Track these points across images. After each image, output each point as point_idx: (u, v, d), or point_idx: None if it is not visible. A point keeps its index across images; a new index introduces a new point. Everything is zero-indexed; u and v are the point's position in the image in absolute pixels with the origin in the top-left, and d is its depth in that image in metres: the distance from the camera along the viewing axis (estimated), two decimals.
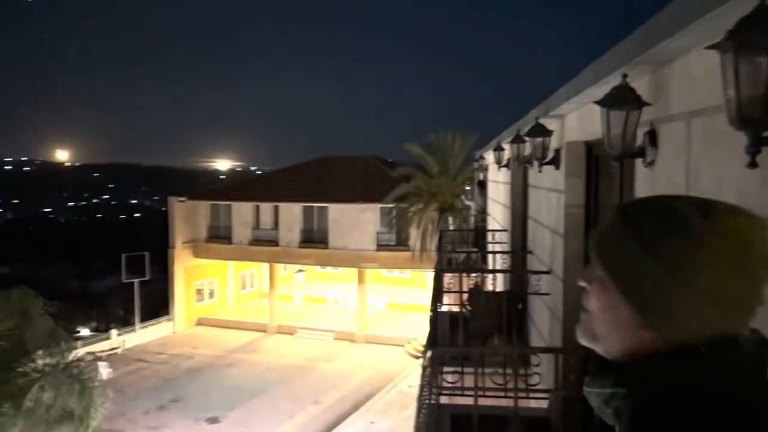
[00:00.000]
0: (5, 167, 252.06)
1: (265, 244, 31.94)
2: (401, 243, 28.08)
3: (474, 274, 7.92)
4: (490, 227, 11.88)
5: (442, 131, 24.14)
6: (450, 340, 5.67)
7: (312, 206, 31.16)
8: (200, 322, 33.46)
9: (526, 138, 5.65)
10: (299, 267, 39.28)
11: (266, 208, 32.31)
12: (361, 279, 30.18)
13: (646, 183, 3.15)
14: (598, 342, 0.93)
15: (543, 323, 5.95)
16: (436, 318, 4.79)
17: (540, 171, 5.58)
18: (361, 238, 29.51)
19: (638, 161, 3.17)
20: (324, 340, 29.86)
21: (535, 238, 6.77)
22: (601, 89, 3.12)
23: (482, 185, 13.70)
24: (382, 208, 28.23)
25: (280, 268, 34.88)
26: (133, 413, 20.91)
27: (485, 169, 13.10)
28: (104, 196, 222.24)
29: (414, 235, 24.80)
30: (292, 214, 31.39)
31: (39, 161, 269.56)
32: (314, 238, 31.04)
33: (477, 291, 6.92)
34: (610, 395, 0.88)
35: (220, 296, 35.70)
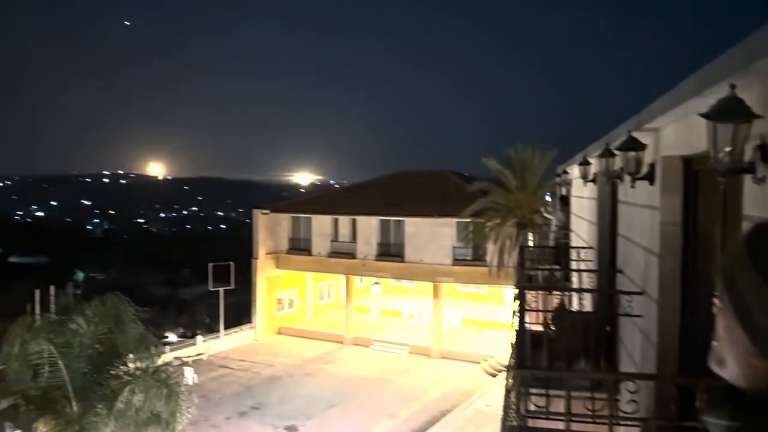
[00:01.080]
0: (103, 180, 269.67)
1: (342, 256, 32.39)
2: (478, 258, 27.68)
3: (558, 293, 7.65)
4: (573, 244, 11.48)
5: (521, 145, 23.72)
6: (533, 361, 5.48)
7: (389, 220, 31.35)
8: (280, 331, 34.27)
9: (617, 152, 5.41)
10: (375, 279, 39.57)
11: (344, 221, 32.80)
12: (436, 293, 29.98)
13: (756, 201, 2.92)
14: (724, 368, 0.88)
15: (634, 347, 5.65)
16: (521, 337, 4.64)
17: (632, 186, 5.32)
18: (437, 253, 29.36)
19: (747, 177, 2.94)
20: (399, 353, 29.81)
21: (625, 256, 6.46)
22: (704, 101, 2.93)
23: (565, 200, 13.28)
24: (458, 222, 27.98)
25: (357, 281, 35.24)
26: (216, 419, 21.61)
27: (568, 183, 12.70)
28: (193, 208, 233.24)
29: (491, 250, 24.38)
30: (369, 227, 31.69)
31: (134, 174, 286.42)
32: (391, 252, 31.17)
33: (562, 310, 6.67)
34: (726, 428, 0.83)
35: (299, 306, 36.45)
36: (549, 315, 6.58)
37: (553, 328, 6.51)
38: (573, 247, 10.73)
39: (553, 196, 17.44)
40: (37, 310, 22.13)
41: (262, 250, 33.75)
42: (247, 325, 33.97)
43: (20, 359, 11.46)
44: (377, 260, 31.36)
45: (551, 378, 4.27)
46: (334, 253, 32.84)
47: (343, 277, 34.85)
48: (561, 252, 11.61)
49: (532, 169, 23.02)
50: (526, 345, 4.61)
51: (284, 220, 34.71)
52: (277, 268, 34.40)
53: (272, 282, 34.33)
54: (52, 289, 21.51)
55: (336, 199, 37.77)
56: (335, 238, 33.08)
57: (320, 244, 33.32)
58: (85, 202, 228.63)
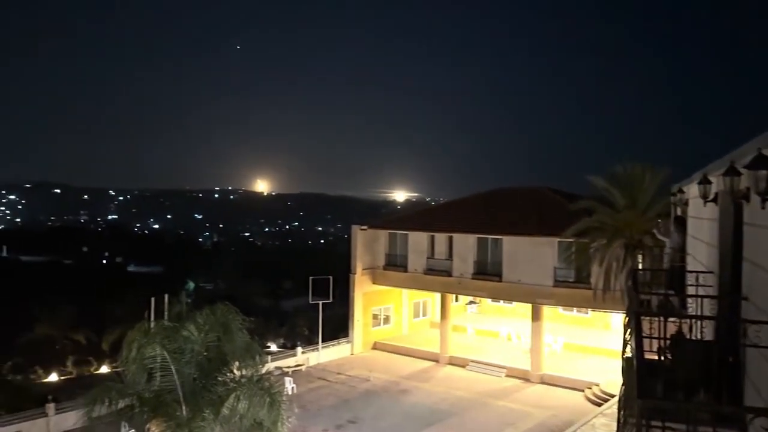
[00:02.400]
0: (214, 195, 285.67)
1: (438, 273, 32.21)
2: (581, 280, 26.53)
3: (674, 320, 7.15)
4: (690, 268, 10.71)
5: (629, 162, 22.60)
6: (649, 391, 5.12)
7: (486, 238, 30.84)
8: (376, 346, 34.54)
9: (744, 170, 5.00)
10: (471, 298, 39.00)
11: (441, 238, 32.64)
12: (536, 315, 29.04)
13: None
14: None
15: (762, 381, 5.15)
16: (641, 365, 4.35)
17: (763, 208, 4.89)
18: (536, 273, 28.46)
19: None
20: (496, 375, 29.09)
21: (752, 282, 5.93)
22: None
23: (680, 221, 12.46)
24: (560, 242, 27.03)
25: (453, 299, 34.88)
26: (314, 430, 22.00)
27: (685, 203, 11.91)
28: (294, 223, 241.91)
29: (596, 272, 23.29)
30: (466, 245, 31.33)
31: (242, 190, 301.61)
32: (488, 270, 30.61)
33: (679, 338, 6.21)
34: None
35: (395, 322, 36.60)
36: (665, 343, 6.16)
37: (669, 356, 6.07)
38: (690, 271, 10.01)
39: (666, 216, 16.44)
40: (153, 317, 23.68)
41: (359, 266, 34.29)
42: (344, 339, 34.52)
43: (137, 363, 12.22)
44: (474, 279, 30.90)
45: (667, 410, 3.97)
46: (430, 271, 32.74)
47: (438, 295, 34.66)
48: (676, 276, 10.86)
49: (642, 188, 21.84)
50: (641, 374, 4.31)
51: (381, 236, 35.11)
52: (374, 283, 34.79)
53: (369, 297, 34.74)
54: (166, 298, 22.97)
55: (432, 215, 37.72)
56: (431, 255, 32.99)
57: (416, 260, 33.35)
58: (197, 216, 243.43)
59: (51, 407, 22.17)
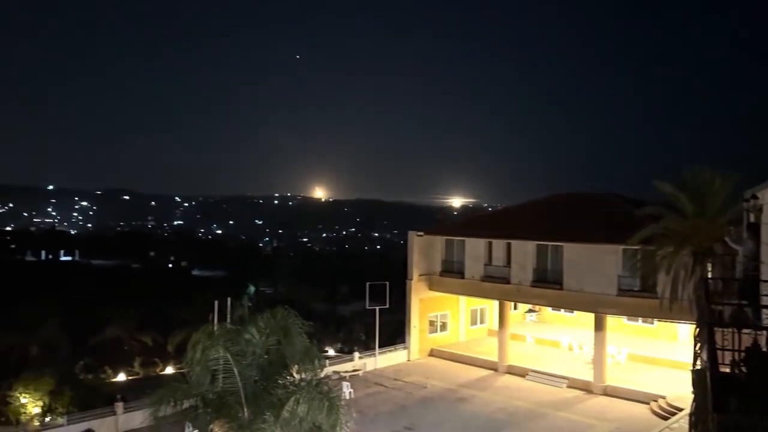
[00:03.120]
0: (274, 201, 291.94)
1: (496, 281, 31.75)
2: (646, 289, 25.53)
3: (748, 331, 6.79)
4: (765, 277, 10.18)
5: (697, 166, 21.64)
6: (722, 406, 4.88)
7: (546, 245, 30.18)
8: (432, 353, 34.35)
9: None
10: (530, 307, 38.27)
11: (499, 244, 32.17)
12: (599, 325, 28.18)
13: None
14: None
15: None
16: (714, 379, 4.15)
17: None
18: (599, 282, 27.61)
19: None
20: (557, 386, 28.39)
21: None
22: None
23: (754, 228, 11.87)
24: (624, 250, 26.12)
25: (511, 307, 34.31)
26: None
27: (758, 209, 11.34)
28: (351, 229, 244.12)
29: (662, 281, 22.40)
30: (525, 252, 30.76)
31: (300, 197, 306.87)
32: (548, 278, 29.94)
33: (755, 351, 5.90)
34: None
35: (452, 329, 36.31)
36: (739, 355, 5.86)
37: (744, 370, 5.77)
38: (765, 281, 9.50)
39: (738, 223, 15.68)
40: (216, 319, 24.35)
41: (416, 272, 34.23)
42: (401, 345, 34.49)
43: (201, 364, 12.54)
44: (533, 287, 30.29)
45: (743, 426, 3.77)
46: (488, 278, 32.31)
47: (496, 303, 34.17)
48: (750, 285, 10.33)
49: (712, 193, 20.87)
50: (715, 388, 4.11)
51: (438, 242, 34.95)
52: (430, 289, 34.64)
53: (425, 303, 34.62)
54: (228, 301, 23.59)
55: (490, 222, 37.29)
56: (489, 262, 32.57)
57: (473, 267, 33.00)
58: (258, 222, 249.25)
59: (119, 406, 23.05)
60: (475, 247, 33.09)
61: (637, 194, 30.53)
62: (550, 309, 38.06)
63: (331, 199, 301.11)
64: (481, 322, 38.11)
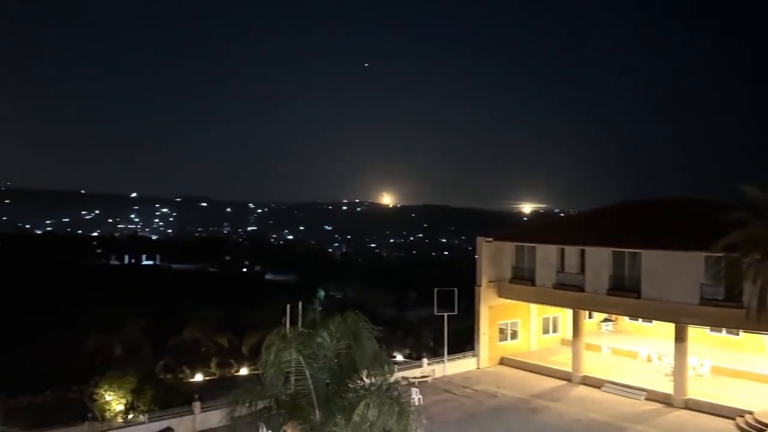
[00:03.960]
0: (343, 207, 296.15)
1: (569, 288, 30.86)
2: (731, 299, 24.15)
3: None
4: None
5: None
6: None
7: (623, 251, 29.07)
8: (503, 362, 33.78)
9: None
10: (605, 316, 36.99)
11: (572, 251, 31.27)
12: (680, 336, 26.85)
13: None
14: None
15: None
16: None
17: None
18: (680, 290, 26.30)
19: None
20: (635, 398, 27.26)
21: None
22: None
23: None
24: (707, 257, 24.83)
25: (586, 316, 33.28)
26: None
27: None
28: (419, 235, 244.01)
29: (749, 290, 21.17)
30: (600, 259, 29.75)
31: (368, 203, 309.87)
32: (624, 286, 28.82)
33: None
34: None
35: (522, 338, 35.58)
36: None
37: None
38: None
39: None
40: (289, 323, 24.88)
41: (485, 278, 33.80)
42: (470, 353, 34.12)
43: (275, 366, 12.83)
44: (609, 295, 29.23)
45: None
46: (560, 285, 31.46)
47: (569, 311, 33.23)
48: None
49: None
50: None
51: (508, 248, 34.37)
52: (500, 297, 34.09)
53: (495, 311, 34.11)
54: (300, 305, 24.07)
55: (562, 227, 36.36)
56: (561, 269, 31.73)
57: (545, 274, 32.23)
58: (327, 228, 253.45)
59: (197, 406, 23.90)
60: (546, 254, 32.32)
61: (722, 199, 29.06)
62: (627, 318, 36.67)
63: (398, 205, 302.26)
64: (554, 330, 37.16)
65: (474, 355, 33.70)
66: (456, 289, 32.88)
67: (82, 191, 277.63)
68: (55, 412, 30.42)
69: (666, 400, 26.51)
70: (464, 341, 36.63)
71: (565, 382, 30.15)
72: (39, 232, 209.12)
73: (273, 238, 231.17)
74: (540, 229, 37.78)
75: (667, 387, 27.08)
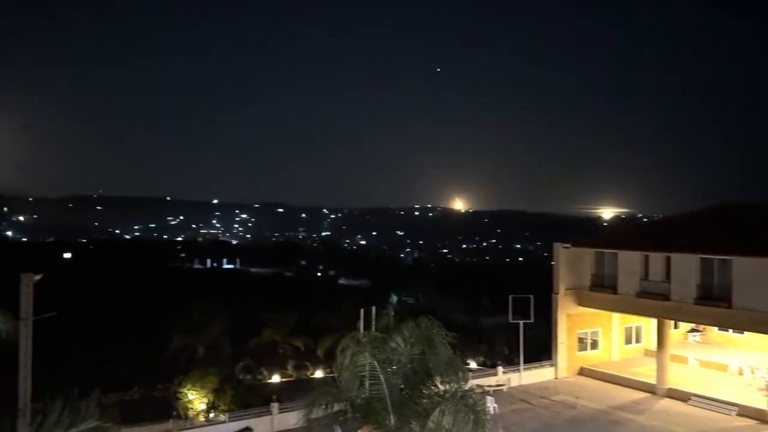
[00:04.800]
0: (414, 213, 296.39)
1: (654, 297, 29.42)
2: None
3: None
4: None
5: None
6: None
7: (711, 259, 27.49)
8: (582, 372, 32.67)
9: None
10: (693, 326, 35.08)
11: (656, 258, 29.83)
12: None
13: None
14: None
15: None
16: None
17: None
18: None
19: None
20: (725, 413, 25.67)
21: None
22: None
23: None
24: None
25: (671, 325, 31.68)
26: None
27: None
28: (492, 240, 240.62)
29: None
30: (687, 266, 28.23)
31: (440, 208, 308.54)
32: (713, 295, 27.20)
33: None
34: None
35: (603, 348, 34.28)
36: None
37: None
38: None
39: None
40: (362, 327, 25.07)
41: (562, 286, 32.83)
42: (547, 362, 33.20)
43: (350, 370, 12.99)
44: (696, 304, 27.68)
45: None
46: (644, 293, 30.08)
47: (653, 321, 31.72)
48: None
49: None
50: None
51: (587, 254, 33.24)
52: (579, 305, 33.01)
53: (573, 319, 33.06)
54: (373, 310, 24.22)
55: (646, 233, 34.80)
56: (645, 276, 30.32)
57: (627, 282, 30.92)
58: (399, 233, 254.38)
59: (275, 406, 24.47)
60: (629, 261, 31.01)
61: None
62: (716, 329, 34.64)
63: (471, 210, 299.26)
64: (637, 341, 35.59)
65: (551, 365, 32.76)
66: (532, 297, 32.13)
67: (168, 198, 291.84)
68: (143, 409, 32.01)
69: (760, 417, 24.81)
70: (540, 350, 35.72)
71: (648, 395, 28.81)
72: (128, 237, 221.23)
73: (346, 243, 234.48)
74: (622, 234, 36.39)
75: (761, 402, 25.35)
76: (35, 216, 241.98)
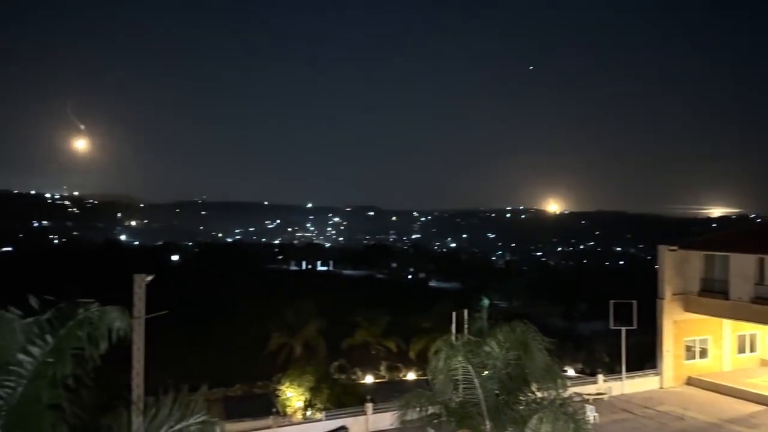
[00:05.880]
0: (506, 215, 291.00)
1: None
2: None
3: None
4: None
5: None
6: None
7: None
8: (690, 382, 30.74)
9: None
10: None
11: None
12: None
13: None
14: None
15: None
16: None
17: None
18: None
19: None
20: None
21: None
22: None
23: None
24: None
25: None
26: None
27: None
28: (590, 243, 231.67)
29: None
30: None
31: (533, 209, 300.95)
32: None
33: None
34: None
35: (713, 357, 32.08)
36: None
37: None
38: None
39: None
40: (454, 330, 24.91)
41: (668, 290, 31.03)
42: (651, 371, 31.52)
43: (444, 373, 12.95)
44: None
45: None
46: (759, 299, 27.91)
47: None
48: None
49: None
50: None
51: (694, 257, 31.25)
52: (686, 311, 31.08)
53: (680, 326, 31.16)
54: (465, 313, 23.98)
55: (761, 234, 32.27)
56: (760, 281, 28.14)
57: (740, 287, 28.78)
58: (490, 235, 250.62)
59: (369, 407, 24.77)
60: (742, 264, 28.87)
61: None
62: None
63: (566, 212, 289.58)
64: (751, 350, 33.05)
65: (656, 374, 31.07)
66: (634, 302, 30.63)
67: (266, 202, 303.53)
68: (244, 405, 33.43)
69: None
70: (644, 358, 33.99)
71: (765, 408, 26.67)
72: (229, 240, 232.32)
73: (436, 245, 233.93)
74: (733, 236, 33.91)
75: None
76: (146, 221, 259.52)
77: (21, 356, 5.91)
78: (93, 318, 6.17)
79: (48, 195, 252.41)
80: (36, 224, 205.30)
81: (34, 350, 5.92)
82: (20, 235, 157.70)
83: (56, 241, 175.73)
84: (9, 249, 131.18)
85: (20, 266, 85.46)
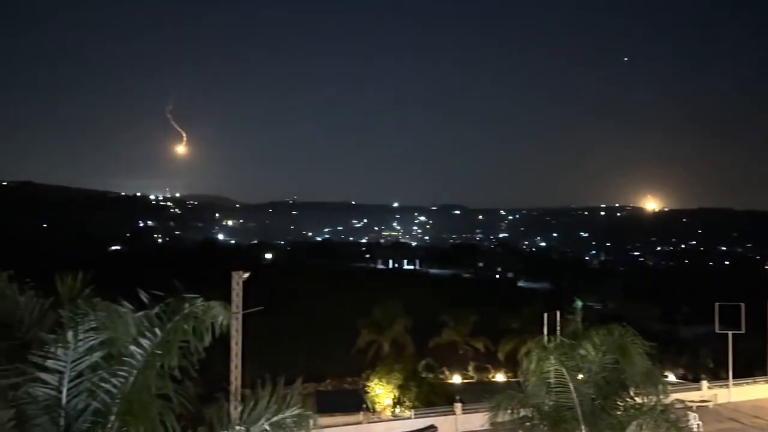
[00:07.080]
0: (600, 213, 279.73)
1: None
2: None
3: None
4: None
5: None
6: None
7: None
8: None
9: None
10: None
11: None
12: None
13: None
14: None
15: None
16: None
17: None
18: None
19: None
20: None
21: None
22: None
23: None
24: None
25: None
26: None
27: None
28: (691, 242, 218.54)
29: None
30: None
31: (629, 207, 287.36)
32: None
33: None
34: None
35: None
36: None
37: None
38: None
39: None
40: (546, 331, 24.28)
41: None
42: (762, 378, 29.38)
43: (536, 375, 12.63)
44: None
45: None
46: None
47: None
48: None
49: None
50: None
51: None
52: None
53: None
54: (557, 314, 23.30)
55: None
56: None
57: None
58: (583, 234, 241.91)
59: (458, 407, 24.59)
60: None
61: None
62: None
63: (666, 209, 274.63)
64: None
65: (767, 381, 28.89)
66: (742, 304, 28.61)
67: (353, 202, 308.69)
68: (335, 400, 34.14)
69: None
70: (753, 364, 31.75)
71: None
72: (319, 239, 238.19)
73: (525, 245, 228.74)
74: None
75: None
76: (241, 221, 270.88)
77: (133, 348, 6.30)
78: (198, 312, 6.49)
79: (152, 196, 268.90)
80: (141, 224, 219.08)
81: (145, 342, 6.30)
82: (127, 235, 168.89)
83: (160, 240, 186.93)
84: (118, 247, 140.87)
85: (128, 263, 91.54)
